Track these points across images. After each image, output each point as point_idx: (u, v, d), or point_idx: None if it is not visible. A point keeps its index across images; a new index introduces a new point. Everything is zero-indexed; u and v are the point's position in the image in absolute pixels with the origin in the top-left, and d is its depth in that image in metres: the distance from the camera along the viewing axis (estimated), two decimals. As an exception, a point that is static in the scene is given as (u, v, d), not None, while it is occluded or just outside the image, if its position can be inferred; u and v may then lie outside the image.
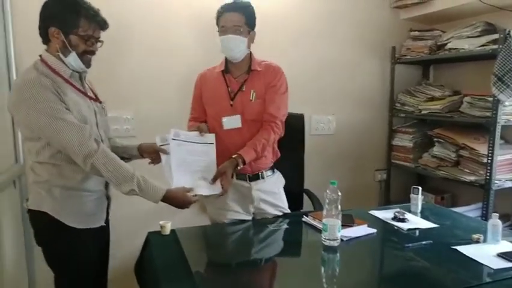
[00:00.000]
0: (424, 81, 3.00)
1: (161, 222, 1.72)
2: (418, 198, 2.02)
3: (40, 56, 1.43)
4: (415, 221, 1.87)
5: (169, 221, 1.74)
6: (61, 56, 1.41)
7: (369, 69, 2.93)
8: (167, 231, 1.72)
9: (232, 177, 1.80)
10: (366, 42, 2.88)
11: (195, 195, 1.61)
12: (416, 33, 2.86)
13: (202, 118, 1.97)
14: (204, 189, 1.69)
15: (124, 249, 2.36)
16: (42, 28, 1.42)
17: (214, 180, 1.72)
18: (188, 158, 1.70)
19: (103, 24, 1.45)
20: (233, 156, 1.77)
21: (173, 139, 1.67)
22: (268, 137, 1.85)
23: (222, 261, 1.62)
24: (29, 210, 1.47)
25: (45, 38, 1.42)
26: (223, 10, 1.83)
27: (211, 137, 1.79)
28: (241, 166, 1.77)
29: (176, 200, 1.54)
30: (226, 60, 1.91)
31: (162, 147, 1.67)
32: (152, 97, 2.39)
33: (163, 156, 1.67)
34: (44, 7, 1.41)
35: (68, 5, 1.39)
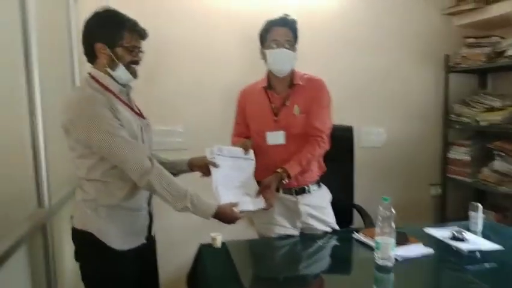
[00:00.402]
0: (482, 91, 2.85)
1: (212, 235, 1.75)
2: (478, 216, 1.90)
3: (89, 73, 1.48)
4: (476, 241, 1.75)
5: (220, 233, 1.77)
6: (109, 70, 1.44)
7: (421, 78, 2.82)
8: (218, 244, 1.74)
9: (277, 191, 1.79)
10: (418, 51, 2.79)
11: (241, 212, 1.61)
12: (472, 40, 2.73)
13: (245, 134, 1.99)
14: (248, 204, 1.70)
15: (175, 259, 2.44)
16: (87, 46, 1.45)
17: (258, 193, 1.73)
18: (231, 174, 1.72)
19: (143, 34, 1.49)
20: (278, 171, 1.77)
21: (218, 155, 1.70)
22: (313, 152, 1.83)
23: (270, 275, 1.62)
24: (73, 229, 1.49)
25: (91, 56, 1.45)
26: (273, 24, 1.84)
27: (251, 153, 1.80)
28: (286, 181, 1.77)
29: (225, 215, 1.55)
30: (269, 76, 1.92)
31: (212, 159, 1.70)
32: (202, 110, 2.46)
33: (212, 170, 1.69)
34: (86, 25, 1.44)
35: (109, 20, 1.43)
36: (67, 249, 1.59)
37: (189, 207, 1.45)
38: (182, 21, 2.37)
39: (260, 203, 1.73)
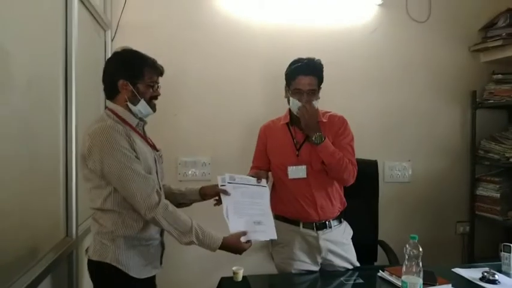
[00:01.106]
0: (511, 127, 2.79)
1: (234, 269, 1.74)
2: (511, 257, 1.82)
3: (107, 107, 1.54)
4: (508, 284, 1.68)
5: (241, 267, 1.76)
6: (130, 105, 1.50)
7: (448, 114, 2.80)
8: (239, 278, 1.73)
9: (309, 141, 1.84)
10: (445, 86, 2.78)
11: (248, 241, 1.60)
12: (500, 76, 2.71)
13: (263, 168, 2.01)
14: (260, 234, 1.69)
15: (196, 289, 2.42)
16: (109, 83, 1.52)
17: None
18: (244, 201, 1.71)
19: (162, 70, 1.58)
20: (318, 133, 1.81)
21: (229, 183, 1.70)
22: (349, 165, 1.84)
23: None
24: (90, 261, 1.49)
25: (113, 92, 1.52)
26: (298, 73, 1.87)
27: (264, 181, 1.81)
28: (319, 140, 1.80)
29: (231, 247, 1.56)
30: (291, 112, 1.96)
31: (223, 187, 1.70)
32: (228, 143, 2.50)
33: (223, 198, 1.69)
34: (109, 64, 1.54)
35: (132, 58, 1.51)
36: (87, 279, 1.62)
37: (195, 242, 1.47)
38: (209, 57, 2.46)
39: (272, 233, 1.71)
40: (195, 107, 2.46)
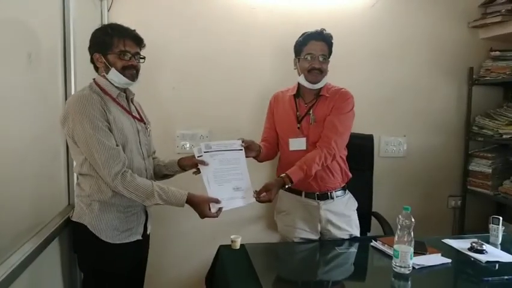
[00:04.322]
0: (506, 104, 2.82)
1: (232, 237, 1.80)
2: (499, 229, 1.89)
3: (94, 79, 1.62)
4: (495, 254, 1.75)
5: (240, 235, 1.82)
6: (106, 75, 1.57)
7: (444, 90, 2.81)
8: (237, 246, 1.79)
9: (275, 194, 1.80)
10: (442, 62, 2.78)
11: (219, 210, 1.66)
12: (497, 53, 2.71)
13: (272, 139, 2.05)
14: (238, 200, 1.74)
15: (195, 258, 2.50)
16: (90, 58, 1.60)
17: (258, 194, 1.75)
18: (222, 168, 1.74)
19: (135, 40, 1.60)
20: (281, 176, 1.81)
21: (205, 152, 1.73)
22: (317, 158, 1.82)
23: (289, 278, 1.66)
24: (70, 221, 1.60)
25: (95, 65, 1.61)
26: (310, 38, 1.89)
27: (238, 144, 1.81)
28: (290, 185, 1.80)
29: (195, 205, 1.63)
30: (299, 85, 1.98)
31: (200, 158, 1.72)
32: (227, 116, 2.50)
33: (201, 168, 1.72)
34: (89, 40, 1.59)
35: (102, 31, 1.58)
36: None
37: (160, 203, 1.56)
38: (208, 30, 2.43)
39: (251, 198, 1.75)
40: (193, 80, 2.45)
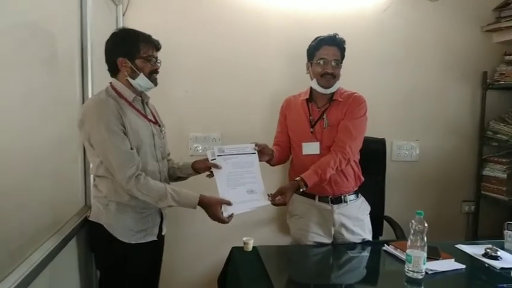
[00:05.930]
0: (520, 108, 2.79)
1: (244, 239, 1.82)
2: (513, 235, 1.87)
3: (110, 83, 1.64)
4: (510, 260, 1.73)
5: (252, 238, 1.83)
6: (130, 80, 1.59)
7: (458, 95, 2.79)
8: (249, 248, 1.80)
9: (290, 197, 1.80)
10: (455, 67, 2.76)
11: (230, 216, 1.66)
12: (511, 57, 2.69)
13: (284, 143, 2.06)
14: (253, 203, 1.75)
15: (207, 259, 2.52)
16: (110, 62, 1.61)
17: (273, 197, 1.76)
18: (235, 171, 1.76)
19: (157, 45, 1.64)
20: (296, 179, 1.82)
21: (218, 155, 1.75)
22: (332, 162, 1.83)
23: (301, 281, 1.67)
24: (88, 221, 1.64)
25: (114, 70, 1.61)
26: (323, 43, 1.90)
27: (251, 147, 1.83)
28: (304, 189, 1.80)
29: (207, 207, 1.65)
30: (311, 89, 1.99)
31: (213, 161, 1.74)
32: (239, 119, 2.53)
33: (215, 172, 1.74)
34: (107, 44, 1.61)
35: (126, 36, 1.60)
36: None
37: (173, 204, 1.58)
38: (221, 33, 2.46)
39: (265, 200, 1.76)
40: (206, 83, 2.48)
